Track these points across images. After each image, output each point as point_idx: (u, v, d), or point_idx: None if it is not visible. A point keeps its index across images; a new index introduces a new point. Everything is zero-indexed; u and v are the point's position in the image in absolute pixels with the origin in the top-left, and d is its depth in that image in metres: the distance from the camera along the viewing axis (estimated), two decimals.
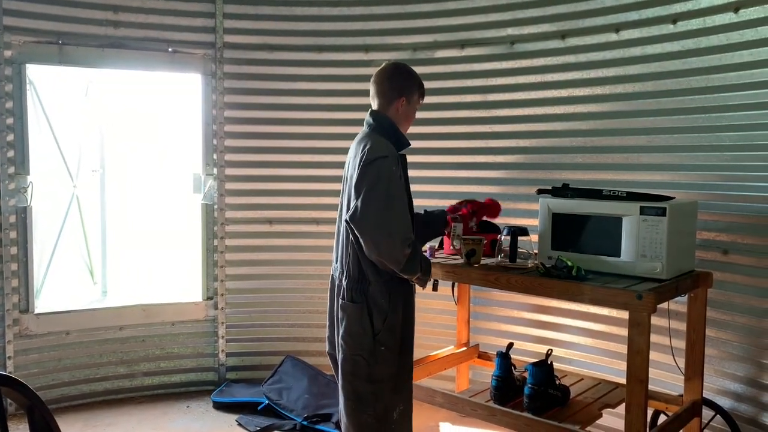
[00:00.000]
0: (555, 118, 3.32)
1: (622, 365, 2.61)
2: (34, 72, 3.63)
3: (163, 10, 3.65)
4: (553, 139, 3.33)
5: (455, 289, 3.35)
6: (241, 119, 3.82)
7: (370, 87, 2.51)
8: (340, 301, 2.38)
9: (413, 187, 3.67)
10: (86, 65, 3.63)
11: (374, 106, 2.51)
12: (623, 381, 2.50)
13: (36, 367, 3.50)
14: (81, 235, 5.34)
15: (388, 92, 2.46)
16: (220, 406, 3.57)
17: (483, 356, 3.40)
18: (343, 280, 2.38)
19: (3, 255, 3.37)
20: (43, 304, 3.80)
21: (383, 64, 2.53)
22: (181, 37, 3.70)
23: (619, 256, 2.49)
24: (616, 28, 3.08)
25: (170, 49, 3.70)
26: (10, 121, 3.39)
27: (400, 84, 2.47)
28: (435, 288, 3.10)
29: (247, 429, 3.28)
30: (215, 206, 3.82)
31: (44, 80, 4.02)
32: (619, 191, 2.59)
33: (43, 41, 3.45)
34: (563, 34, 3.25)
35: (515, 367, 2.79)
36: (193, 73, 3.77)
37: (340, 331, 2.37)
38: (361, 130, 2.48)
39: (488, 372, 3.04)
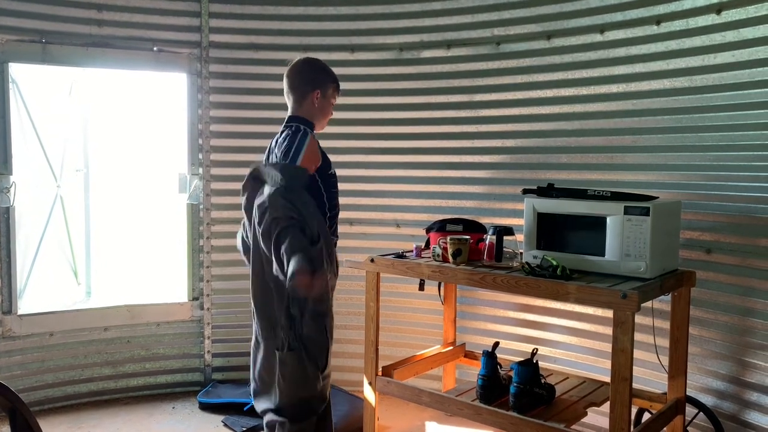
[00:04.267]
0: (541, 118, 3.33)
1: (607, 363, 2.64)
2: (17, 71, 3.58)
3: (148, 8, 3.62)
4: (538, 139, 3.35)
5: (441, 288, 3.37)
6: (226, 119, 3.80)
7: (284, 83, 2.55)
8: None
9: (402, 187, 3.70)
10: (70, 64, 3.60)
11: (289, 102, 2.55)
12: (608, 379, 2.51)
13: (19, 368, 3.46)
14: (65, 235, 5.29)
15: (301, 85, 2.50)
16: (206, 407, 3.55)
17: (469, 355, 3.41)
18: None
19: None
20: (26, 305, 3.76)
21: (295, 60, 2.57)
22: (166, 36, 3.68)
23: (603, 255, 2.51)
24: (601, 28, 3.10)
25: (155, 48, 3.68)
26: None
27: (313, 76, 2.51)
28: (421, 288, 3.11)
29: (233, 429, 3.27)
30: (201, 206, 3.80)
31: (27, 79, 3.97)
32: (603, 191, 2.60)
33: (26, 40, 3.42)
34: (549, 35, 3.27)
35: (501, 366, 2.80)
36: (178, 73, 3.75)
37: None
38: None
39: (474, 371, 3.05)
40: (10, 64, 3.40)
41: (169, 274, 5.28)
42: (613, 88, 3.09)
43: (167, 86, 4.31)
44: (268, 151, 2.60)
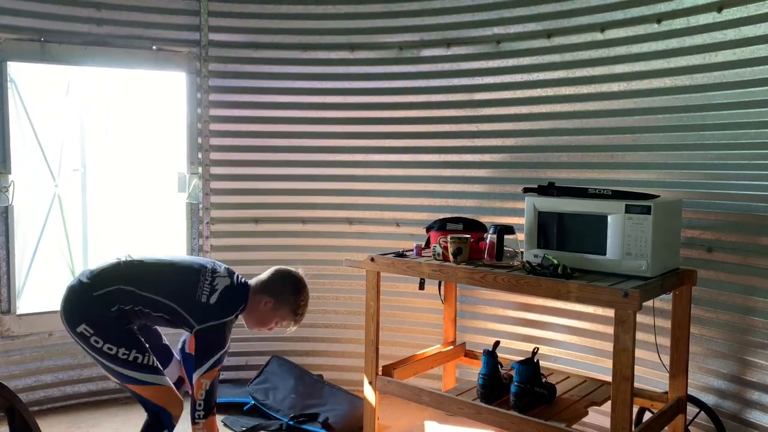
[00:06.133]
0: (541, 117, 3.33)
1: (608, 363, 2.63)
2: (15, 70, 3.57)
3: (147, 7, 3.61)
4: (539, 137, 3.34)
5: (442, 287, 3.36)
6: (226, 118, 3.79)
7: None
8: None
9: (402, 186, 3.69)
10: (69, 63, 3.59)
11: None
12: (609, 378, 2.51)
13: (18, 368, 3.45)
14: (63, 234, 5.28)
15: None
16: None
17: (470, 355, 3.41)
18: None
19: None
20: (25, 304, 3.74)
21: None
22: (165, 35, 3.67)
23: (604, 254, 2.50)
24: (602, 27, 3.09)
25: (154, 47, 3.66)
26: None
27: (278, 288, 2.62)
28: (422, 287, 3.11)
29: (233, 429, 3.26)
30: (200, 205, 3.79)
31: (25, 78, 3.96)
32: (604, 190, 2.60)
33: (24, 38, 3.41)
34: (549, 33, 3.26)
35: (502, 366, 2.79)
36: (177, 72, 3.74)
37: None
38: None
39: (475, 370, 3.04)
40: (9, 62, 3.39)
41: None
42: (614, 87, 3.08)
43: (166, 85, 4.30)
44: None
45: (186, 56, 3.72)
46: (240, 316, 2.58)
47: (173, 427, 2.41)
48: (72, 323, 2.38)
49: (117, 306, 2.37)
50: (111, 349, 2.32)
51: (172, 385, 2.44)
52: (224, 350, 2.43)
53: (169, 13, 3.66)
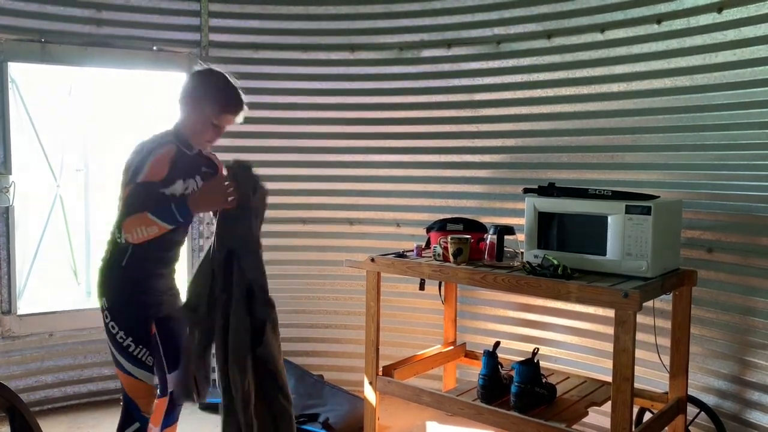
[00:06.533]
0: (541, 117, 3.33)
1: (608, 363, 2.63)
2: (16, 70, 3.58)
3: (147, 8, 3.61)
4: (539, 138, 3.34)
5: (442, 288, 3.36)
6: None
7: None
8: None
9: (402, 187, 3.69)
10: (69, 63, 3.59)
11: None
12: (609, 379, 2.51)
13: (19, 368, 3.45)
14: (64, 235, 5.29)
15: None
16: (206, 407, 3.53)
17: (470, 355, 3.41)
18: None
19: None
20: (26, 305, 3.76)
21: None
22: (165, 36, 3.67)
23: (604, 254, 2.50)
24: (602, 28, 3.09)
25: (155, 48, 3.67)
26: None
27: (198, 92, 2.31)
28: (422, 287, 3.11)
29: None
30: None
31: (27, 79, 3.97)
32: (604, 190, 2.60)
33: (25, 39, 3.41)
34: (549, 34, 3.26)
35: (502, 366, 2.80)
36: (178, 72, 3.74)
37: None
38: None
39: (475, 371, 3.04)
40: (10, 63, 3.40)
41: None
42: (614, 87, 3.08)
43: (167, 85, 4.31)
44: None
45: (186, 57, 3.72)
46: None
47: (145, 421, 2.33)
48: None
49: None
50: (113, 328, 2.26)
51: (153, 386, 2.35)
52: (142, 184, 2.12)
53: (170, 14, 3.67)
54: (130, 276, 2.26)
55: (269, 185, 3.81)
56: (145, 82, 5.28)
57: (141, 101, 5.78)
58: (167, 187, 2.18)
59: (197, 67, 2.41)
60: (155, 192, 2.14)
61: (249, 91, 3.75)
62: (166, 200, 2.13)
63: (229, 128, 3.79)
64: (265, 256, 3.80)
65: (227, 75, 2.36)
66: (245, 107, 2.37)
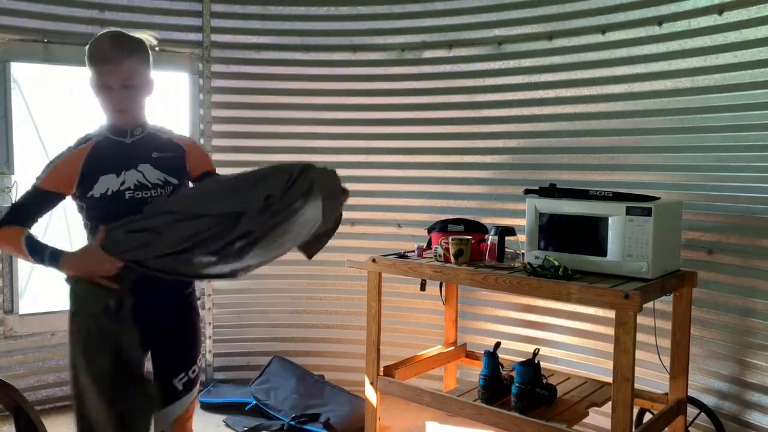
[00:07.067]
0: (542, 118, 3.34)
1: (608, 364, 2.64)
2: (18, 70, 3.58)
3: (150, 8, 3.62)
4: (540, 139, 3.35)
5: (443, 288, 3.37)
6: (228, 119, 3.80)
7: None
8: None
9: (404, 187, 3.70)
10: (72, 63, 3.59)
11: None
12: (609, 380, 2.52)
13: (21, 368, 3.46)
14: (66, 234, 5.29)
15: None
16: (207, 407, 3.55)
17: (470, 355, 3.42)
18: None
19: None
20: (27, 304, 3.76)
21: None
22: (167, 36, 3.67)
23: (605, 255, 2.51)
24: (603, 29, 3.10)
25: (157, 48, 3.66)
26: None
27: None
28: (423, 288, 3.12)
29: (234, 429, 3.27)
30: None
31: (29, 79, 3.98)
32: (605, 191, 2.61)
33: (28, 39, 3.42)
34: (550, 35, 3.27)
35: (503, 367, 2.80)
36: (180, 72, 3.75)
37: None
38: None
39: (476, 371, 3.05)
40: (12, 63, 3.40)
41: None
42: (615, 89, 3.09)
43: (169, 86, 4.32)
44: None
45: (188, 57, 3.73)
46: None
47: None
48: None
49: None
50: None
51: None
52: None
53: (172, 15, 3.67)
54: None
55: None
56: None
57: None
58: (87, 191, 1.89)
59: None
60: (45, 201, 1.91)
61: (251, 91, 3.81)
62: (44, 244, 1.83)
63: (231, 130, 3.82)
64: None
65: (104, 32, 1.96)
66: (110, 46, 1.90)
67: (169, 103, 4.31)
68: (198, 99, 3.76)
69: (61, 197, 1.93)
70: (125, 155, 1.94)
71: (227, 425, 3.32)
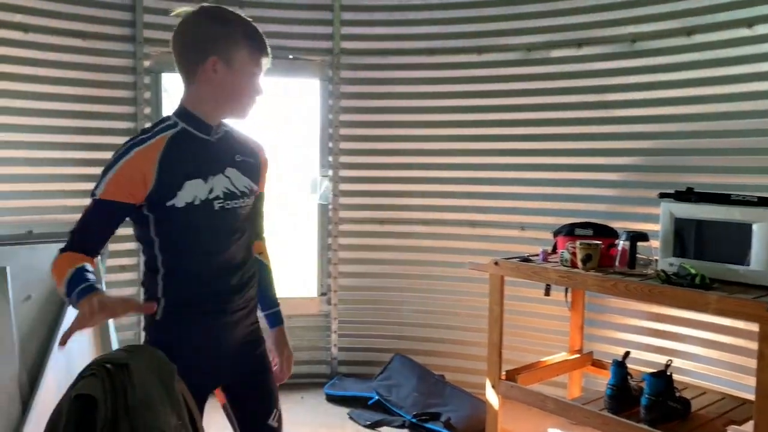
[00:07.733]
0: (679, 118, 3.17)
1: (749, 380, 2.47)
2: (168, 80, 3.91)
3: (285, 19, 3.82)
4: (676, 140, 3.19)
5: (568, 294, 3.29)
6: (355, 122, 3.94)
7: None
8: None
9: (528, 189, 3.65)
10: None
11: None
12: (751, 397, 2.35)
13: None
14: None
15: (186, 56, 1.69)
16: (332, 399, 3.69)
17: (597, 364, 3.31)
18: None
19: None
20: None
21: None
22: (300, 45, 3.87)
23: (748, 264, 2.36)
24: (749, 22, 2.90)
25: (290, 57, 3.88)
26: (147, 125, 3.67)
27: (205, 38, 1.64)
28: (547, 293, 3.06)
29: (358, 423, 3.39)
30: (330, 206, 3.96)
31: (177, 88, 4.31)
32: (749, 196, 2.44)
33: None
34: (689, 31, 3.10)
35: (631, 377, 2.70)
36: (311, 79, 3.93)
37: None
38: None
39: (601, 381, 2.96)
40: (163, 74, 3.73)
41: (295, 269, 5.50)
42: (763, 86, 2.88)
43: (298, 92, 4.52)
44: None
45: (319, 64, 3.90)
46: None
47: None
48: None
49: None
50: None
51: None
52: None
53: (305, 24, 3.86)
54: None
55: (394, 187, 3.93)
56: (277, 88, 5.56)
57: (272, 108, 6.11)
58: (166, 199, 1.54)
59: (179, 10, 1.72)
60: (111, 217, 1.55)
61: (377, 96, 3.92)
62: (84, 279, 1.44)
63: (358, 133, 3.95)
64: (390, 255, 3.94)
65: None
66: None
67: (297, 108, 4.51)
68: (327, 104, 3.93)
69: (129, 209, 1.55)
70: (210, 157, 1.63)
71: (351, 418, 3.45)
